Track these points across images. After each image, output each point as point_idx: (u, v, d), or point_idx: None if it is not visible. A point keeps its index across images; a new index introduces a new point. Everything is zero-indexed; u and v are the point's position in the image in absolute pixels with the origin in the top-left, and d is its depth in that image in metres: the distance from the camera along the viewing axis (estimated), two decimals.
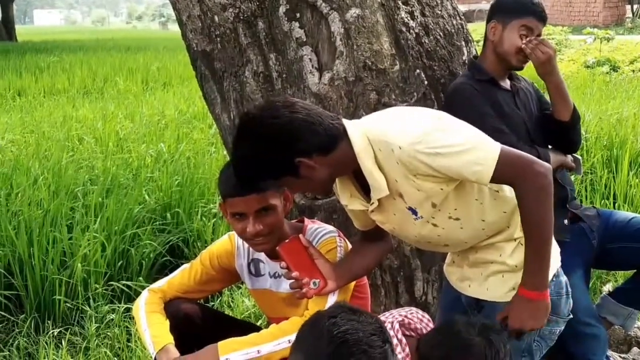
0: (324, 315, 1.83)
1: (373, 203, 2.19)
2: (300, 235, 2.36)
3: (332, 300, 2.35)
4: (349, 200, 2.27)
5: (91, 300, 4.03)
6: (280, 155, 2.07)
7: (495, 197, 2.19)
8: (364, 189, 2.22)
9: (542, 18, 2.91)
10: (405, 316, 2.31)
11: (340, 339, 1.73)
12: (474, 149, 2.02)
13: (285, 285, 2.60)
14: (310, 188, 2.31)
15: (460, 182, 2.11)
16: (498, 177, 2.03)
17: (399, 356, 2.16)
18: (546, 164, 2.06)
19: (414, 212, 2.16)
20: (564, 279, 2.30)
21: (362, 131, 2.12)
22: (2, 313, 3.94)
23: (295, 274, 2.25)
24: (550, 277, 2.16)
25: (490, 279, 2.30)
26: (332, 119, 2.13)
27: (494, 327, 2.13)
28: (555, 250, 2.24)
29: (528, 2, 2.90)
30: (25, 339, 3.73)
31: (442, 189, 2.09)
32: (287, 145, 2.06)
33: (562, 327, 2.33)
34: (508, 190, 2.20)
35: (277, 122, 2.06)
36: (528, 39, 2.87)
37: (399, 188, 2.12)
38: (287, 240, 2.33)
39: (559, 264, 2.29)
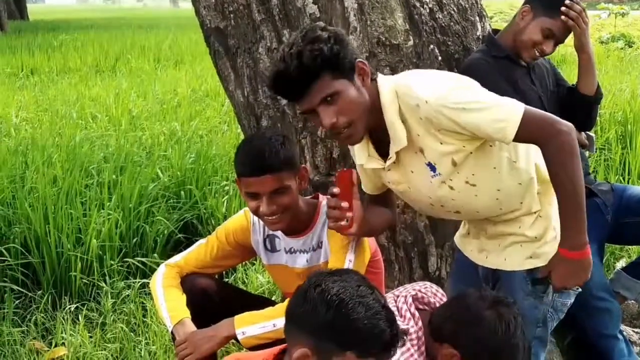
0: (308, 288, 1.84)
1: (391, 158, 2.21)
2: (354, 171, 2.29)
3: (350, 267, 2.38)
4: (367, 159, 2.30)
5: (107, 277, 4.07)
6: (346, 50, 2.09)
7: (512, 167, 2.21)
8: (379, 151, 2.26)
9: (565, 27, 2.88)
10: (419, 290, 2.33)
11: (335, 302, 1.74)
12: (499, 106, 2.06)
13: (300, 261, 2.63)
14: (352, 111, 2.12)
15: (481, 144, 2.14)
16: (522, 135, 2.05)
17: (412, 329, 2.19)
18: (568, 123, 2.07)
19: (433, 168, 2.18)
20: None
21: (391, 85, 2.17)
22: (20, 289, 3.99)
23: (345, 203, 2.21)
24: None
25: (507, 249, 2.33)
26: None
27: (505, 300, 2.15)
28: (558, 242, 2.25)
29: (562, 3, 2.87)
30: (42, 315, 3.77)
31: (464, 147, 2.13)
32: (351, 46, 2.15)
33: (572, 300, 2.37)
34: (524, 162, 2.23)
35: (345, 34, 2.17)
36: (569, 3, 2.83)
37: (420, 142, 2.16)
38: (345, 169, 2.30)
39: None
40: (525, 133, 2.04)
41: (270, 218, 2.45)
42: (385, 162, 2.25)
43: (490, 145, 2.16)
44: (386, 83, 2.18)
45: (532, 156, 2.26)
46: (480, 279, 2.48)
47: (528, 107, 2.07)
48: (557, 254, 2.17)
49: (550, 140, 2.05)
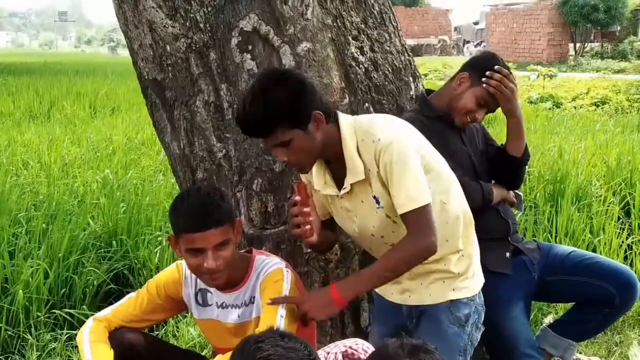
0: (251, 339, 1.83)
1: (345, 188, 2.38)
2: (306, 183, 2.52)
3: (281, 325, 2.37)
4: (323, 186, 2.49)
5: (33, 329, 3.95)
6: (304, 105, 2.28)
7: (442, 209, 2.41)
8: (334, 179, 2.47)
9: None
10: (350, 347, 2.32)
11: None
12: (418, 184, 2.27)
13: (232, 316, 2.61)
14: (302, 152, 2.36)
15: None
16: (405, 218, 2.29)
17: None
18: (435, 247, 2.30)
19: (377, 201, 2.38)
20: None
21: (349, 121, 2.40)
22: None
23: (307, 209, 2.42)
24: (472, 293, 2.52)
25: (431, 286, 2.51)
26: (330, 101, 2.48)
27: (425, 346, 2.15)
28: (478, 278, 2.58)
29: None
30: None
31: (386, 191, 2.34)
32: (310, 97, 2.30)
33: (479, 337, 2.60)
34: (453, 204, 2.44)
35: (305, 78, 2.36)
36: (489, 73, 2.91)
37: (370, 176, 2.35)
38: (301, 182, 2.50)
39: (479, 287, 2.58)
40: (410, 219, 2.28)
41: (213, 275, 2.44)
42: (339, 190, 2.43)
43: (429, 187, 2.32)
44: (346, 122, 2.39)
45: (460, 200, 2.48)
46: (404, 317, 2.62)
47: (429, 208, 2.28)
48: (327, 287, 2.42)
49: (417, 238, 2.28)
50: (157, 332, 4.05)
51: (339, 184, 2.45)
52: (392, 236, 2.44)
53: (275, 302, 2.39)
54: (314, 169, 2.49)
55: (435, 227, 2.29)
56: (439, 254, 2.40)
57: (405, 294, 2.57)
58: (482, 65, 3.00)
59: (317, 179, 2.51)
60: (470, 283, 2.53)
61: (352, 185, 2.39)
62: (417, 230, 2.28)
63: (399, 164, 2.26)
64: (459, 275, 2.50)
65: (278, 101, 2.22)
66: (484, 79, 2.91)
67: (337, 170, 2.45)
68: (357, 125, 2.38)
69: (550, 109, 14.15)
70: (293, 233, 2.49)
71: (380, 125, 2.34)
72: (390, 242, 2.45)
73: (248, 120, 2.27)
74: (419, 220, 2.27)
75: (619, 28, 30.03)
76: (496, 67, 2.92)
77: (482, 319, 2.60)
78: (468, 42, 38.32)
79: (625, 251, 5.19)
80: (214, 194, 2.47)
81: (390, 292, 2.62)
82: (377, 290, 2.71)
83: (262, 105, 2.22)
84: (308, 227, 2.44)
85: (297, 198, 2.44)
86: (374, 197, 2.38)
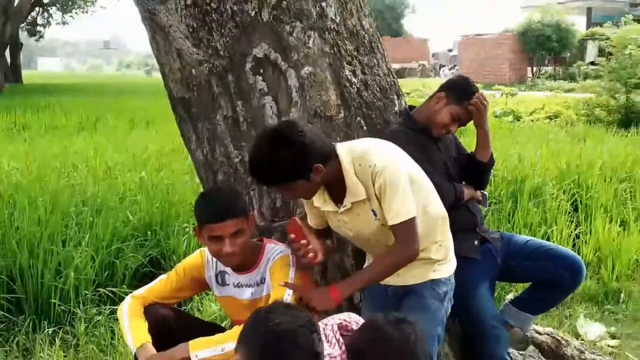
0: (261, 310, 1.87)
1: (345, 205, 2.40)
2: (296, 218, 2.55)
3: (288, 300, 2.37)
4: (323, 204, 2.48)
5: (81, 304, 3.95)
6: (306, 163, 2.25)
7: (424, 212, 2.43)
8: (332, 196, 2.46)
9: (470, 114, 2.97)
10: (344, 319, 2.32)
11: (272, 331, 1.76)
12: (405, 201, 2.30)
13: (246, 294, 2.62)
14: (305, 192, 2.40)
15: None
16: (395, 229, 2.34)
17: (336, 352, 2.17)
18: (417, 253, 2.39)
19: (375, 214, 2.38)
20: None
21: (346, 151, 2.37)
22: (5, 314, 3.84)
23: (304, 241, 2.44)
24: (448, 274, 2.56)
25: (414, 270, 2.52)
26: (327, 139, 2.42)
27: (406, 319, 2.15)
28: (453, 262, 2.61)
29: (470, 96, 2.96)
30: (24, 337, 3.64)
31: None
32: (311, 155, 2.25)
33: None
34: (433, 206, 2.48)
35: (306, 139, 2.25)
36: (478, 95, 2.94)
37: (370, 194, 2.35)
38: (290, 220, 2.55)
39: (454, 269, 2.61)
40: (398, 229, 2.33)
41: (229, 257, 2.47)
42: (337, 206, 2.43)
43: (414, 196, 2.33)
44: (343, 152, 2.36)
45: (437, 202, 2.51)
46: (390, 296, 2.61)
47: (415, 220, 2.32)
48: (329, 286, 2.46)
49: (403, 246, 2.35)
50: (185, 307, 4.06)
51: (336, 201, 2.46)
52: (386, 239, 2.45)
53: (286, 286, 2.41)
54: None
55: (418, 236, 2.34)
56: (422, 245, 2.42)
57: (393, 276, 2.57)
58: (457, 87, 3.02)
59: (317, 197, 2.50)
60: (447, 266, 2.58)
61: (352, 203, 2.40)
62: (405, 240, 2.34)
63: (392, 185, 2.29)
64: (438, 260, 2.54)
65: (282, 166, 2.23)
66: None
67: (334, 189, 2.44)
68: (352, 152, 2.37)
69: (511, 122, 14.13)
70: (302, 264, 2.50)
71: (375, 152, 2.35)
72: (385, 244, 2.47)
73: (257, 177, 2.31)
74: (405, 231, 2.32)
75: (569, 54, 29.96)
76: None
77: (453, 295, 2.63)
78: (443, 66, 38.17)
79: (574, 240, 5.21)
80: (231, 193, 2.52)
81: None
82: None
83: (268, 169, 2.25)
84: (311, 254, 2.46)
85: (293, 236, 2.49)
86: (372, 210, 2.39)
